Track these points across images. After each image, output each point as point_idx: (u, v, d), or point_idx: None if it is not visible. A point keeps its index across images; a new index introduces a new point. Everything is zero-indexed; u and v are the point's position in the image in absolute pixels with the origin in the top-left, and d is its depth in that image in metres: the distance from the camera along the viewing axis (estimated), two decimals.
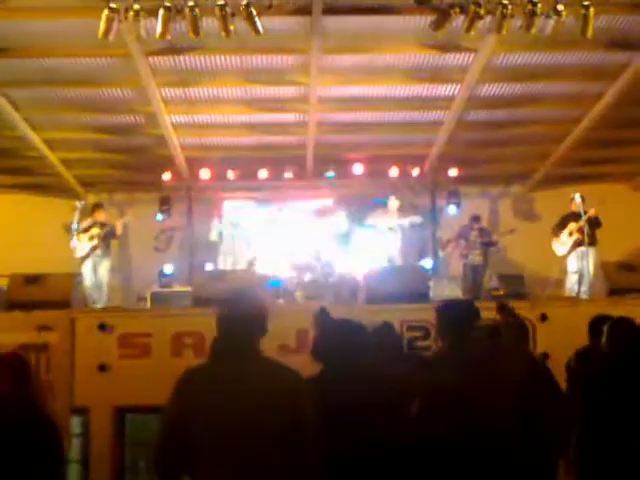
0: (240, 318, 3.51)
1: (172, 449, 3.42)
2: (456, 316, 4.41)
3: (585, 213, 11.09)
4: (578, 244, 11.36)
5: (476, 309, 4.56)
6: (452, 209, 13.98)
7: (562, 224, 11.68)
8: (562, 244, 11.66)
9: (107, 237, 11.67)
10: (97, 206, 12.10)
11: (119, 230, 11.86)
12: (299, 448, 3.36)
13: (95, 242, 11.44)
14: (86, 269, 11.39)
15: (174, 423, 3.44)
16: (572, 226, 11.46)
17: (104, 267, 11.59)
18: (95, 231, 11.48)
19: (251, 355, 3.49)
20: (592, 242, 11.21)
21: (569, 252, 11.58)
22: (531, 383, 5.05)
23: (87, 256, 11.42)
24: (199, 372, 3.55)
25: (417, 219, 13.01)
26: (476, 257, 12.48)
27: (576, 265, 11.44)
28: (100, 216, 11.79)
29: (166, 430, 3.48)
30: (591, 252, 11.19)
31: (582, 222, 11.06)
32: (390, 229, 12.62)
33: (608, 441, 4.92)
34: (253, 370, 3.45)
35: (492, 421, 4.04)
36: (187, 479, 3.46)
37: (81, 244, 11.37)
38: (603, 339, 5.24)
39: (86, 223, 11.54)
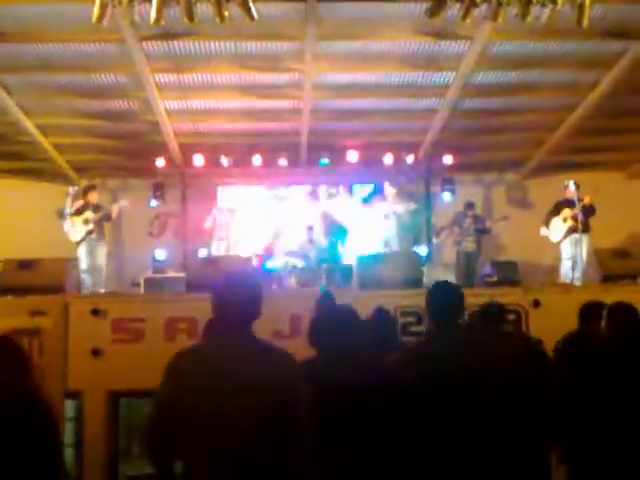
0: (233, 300, 3.52)
1: (164, 432, 3.42)
2: (446, 299, 4.41)
3: (579, 200, 11.11)
4: (572, 231, 11.38)
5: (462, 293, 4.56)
6: (447, 196, 14.01)
7: (556, 210, 11.71)
8: (556, 231, 11.68)
9: (101, 220, 11.64)
10: (90, 188, 12.04)
11: (114, 214, 11.83)
12: (289, 432, 3.37)
13: (90, 226, 11.40)
14: (81, 253, 11.35)
15: (165, 406, 3.44)
16: (566, 212, 11.48)
17: (101, 251, 11.57)
18: (89, 215, 11.43)
19: (243, 337, 3.50)
20: (585, 229, 11.24)
21: (563, 238, 11.61)
22: (525, 367, 5.07)
23: (82, 240, 11.38)
24: (189, 355, 3.54)
25: (411, 206, 13.02)
26: (469, 244, 12.52)
27: (570, 252, 11.47)
28: (93, 198, 11.74)
29: (157, 413, 3.49)
30: (584, 239, 11.21)
31: (577, 209, 11.08)
32: (385, 216, 12.64)
33: (602, 428, 4.95)
34: (244, 351, 3.46)
35: (482, 404, 4.05)
36: (179, 462, 3.47)
37: (75, 228, 11.31)
38: (602, 323, 5.26)
39: (78, 204, 11.47)
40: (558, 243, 11.72)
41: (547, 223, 11.80)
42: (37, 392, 4.17)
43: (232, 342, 3.48)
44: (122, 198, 12.67)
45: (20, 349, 4.43)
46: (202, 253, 12.96)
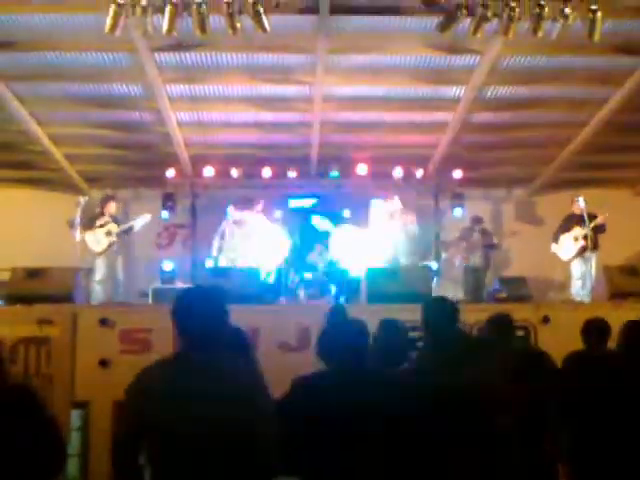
0: (189, 316, 3.49)
1: (132, 450, 3.43)
2: (437, 313, 4.44)
3: (590, 217, 11.06)
4: (583, 250, 11.32)
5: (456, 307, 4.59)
6: (457, 211, 13.98)
7: (565, 227, 11.65)
8: (566, 249, 11.61)
9: (123, 233, 11.61)
10: (108, 198, 11.92)
11: (137, 227, 11.77)
12: (255, 442, 3.34)
13: (113, 238, 11.36)
14: (99, 264, 11.32)
15: (132, 425, 3.44)
16: (577, 231, 11.40)
17: (119, 263, 11.53)
18: (112, 227, 11.39)
19: (201, 354, 3.44)
20: (594, 246, 11.21)
21: (574, 258, 11.53)
22: (532, 382, 5.05)
23: (104, 252, 11.37)
24: (149, 373, 3.51)
25: (418, 221, 12.97)
26: (477, 259, 12.47)
27: (580, 271, 11.40)
28: (111, 209, 11.70)
29: (125, 432, 3.50)
30: (593, 256, 11.19)
31: (587, 228, 11.03)
32: (394, 230, 12.59)
33: (604, 447, 4.93)
34: (200, 367, 3.41)
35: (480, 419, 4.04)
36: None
37: (97, 239, 11.25)
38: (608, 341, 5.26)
39: (102, 220, 11.42)
40: (568, 261, 11.67)
41: (556, 239, 11.75)
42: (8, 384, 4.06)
43: (189, 358, 3.45)
44: (132, 209, 12.65)
45: None
46: (210, 264, 12.94)
